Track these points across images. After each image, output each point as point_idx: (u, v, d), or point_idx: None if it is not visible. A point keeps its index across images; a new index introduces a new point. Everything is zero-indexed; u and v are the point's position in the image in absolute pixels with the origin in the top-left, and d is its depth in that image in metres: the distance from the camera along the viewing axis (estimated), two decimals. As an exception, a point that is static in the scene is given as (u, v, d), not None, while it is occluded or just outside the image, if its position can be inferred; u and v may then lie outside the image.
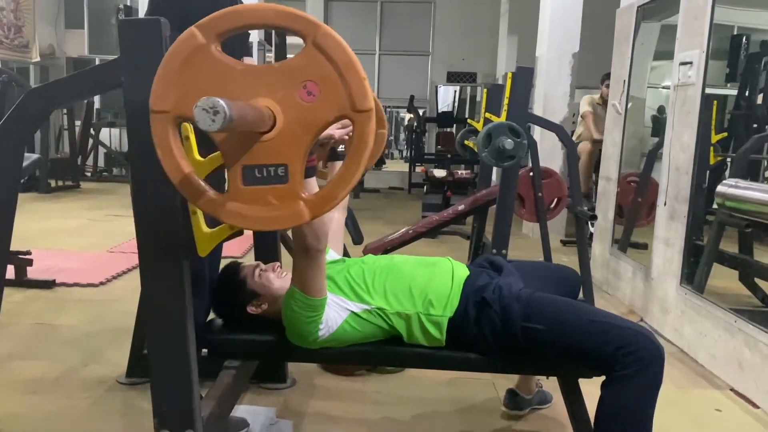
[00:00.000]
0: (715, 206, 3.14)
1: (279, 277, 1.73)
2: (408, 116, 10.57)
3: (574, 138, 5.58)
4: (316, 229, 1.42)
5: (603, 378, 1.57)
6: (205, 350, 1.71)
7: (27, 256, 3.59)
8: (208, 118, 0.92)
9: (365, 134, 1.10)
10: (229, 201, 1.14)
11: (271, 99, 1.10)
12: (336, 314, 1.61)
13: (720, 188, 2.98)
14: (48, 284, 3.59)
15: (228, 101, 0.94)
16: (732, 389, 2.60)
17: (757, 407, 2.43)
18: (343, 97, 1.09)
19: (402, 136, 16.87)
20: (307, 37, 1.08)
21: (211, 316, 1.83)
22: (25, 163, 3.46)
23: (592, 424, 1.58)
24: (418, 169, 9.29)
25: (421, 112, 10.42)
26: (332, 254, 1.86)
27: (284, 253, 2.47)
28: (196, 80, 1.10)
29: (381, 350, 1.68)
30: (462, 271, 1.74)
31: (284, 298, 1.59)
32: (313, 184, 1.45)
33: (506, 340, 1.59)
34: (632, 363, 1.46)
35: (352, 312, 1.62)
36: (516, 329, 1.57)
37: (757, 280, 3.40)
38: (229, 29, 1.10)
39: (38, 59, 9.27)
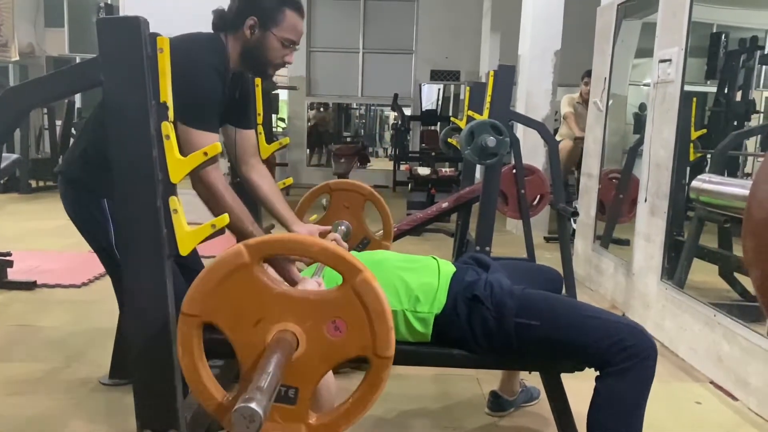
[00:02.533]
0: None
1: None
2: (392, 114, 10.56)
3: (557, 138, 5.62)
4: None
5: (583, 373, 1.59)
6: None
7: (7, 258, 3.55)
8: (244, 424, 0.97)
9: (380, 379, 1.17)
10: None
11: (299, 327, 1.15)
12: None
13: (694, 183, 3.02)
14: (29, 285, 3.55)
15: (265, 401, 0.97)
16: (712, 382, 2.64)
17: (736, 399, 2.47)
18: (368, 340, 1.15)
19: (386, 134, 16.87)
20: (347, 279, 1.14)
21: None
22: (4, 164, 3.43)
23: (578, 416, 1.60)
24: (403, 167, 9.29)
25: (405, 110, 10.42)
26: None
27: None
28: (232, 293, 1.15)
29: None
30: (448, 268, 1.74)
31: None
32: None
33: (498, 337, 1.59)
34: (628, 357, 1.49)
35: None
36: (510, 325, 1.57)
37: (736, 275, 3.45)
38: (274, 254, 1.20)
39: (17, 58, 9.15)
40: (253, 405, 0.97)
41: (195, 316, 1.17)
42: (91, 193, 1.88)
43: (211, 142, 1.76)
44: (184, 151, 1.38)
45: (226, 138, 2.04)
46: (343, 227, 2.35)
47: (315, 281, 1.56)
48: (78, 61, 9.65)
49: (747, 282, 3.39)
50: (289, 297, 1.16)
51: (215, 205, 1.79)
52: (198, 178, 1.76)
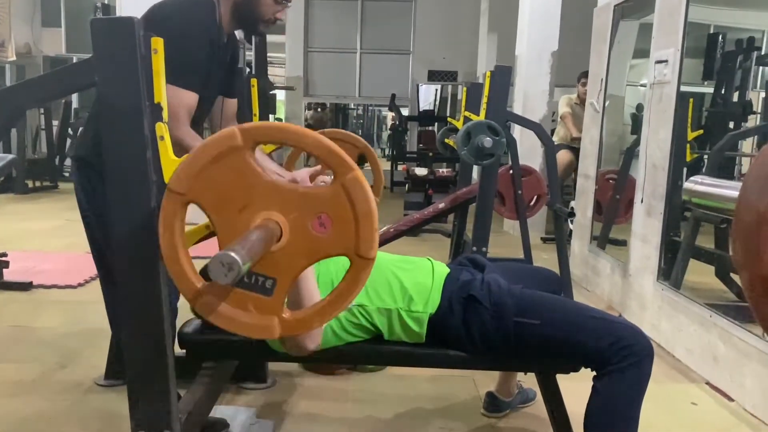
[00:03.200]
0: (691, 203, 3.19)
1: None
2: (389, 115, 10.57)
3: (554, 138, 5.62)
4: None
5: (579, 374, 1.60)
6: (183, 350, 1.71)
7: (3, 258, 3.54)
8: (222, 271, 0.96)
9: (359, 279, 1.15)
10: (209, 294, 1.17)
11: (284, 217, 1.13)
12: None
13: (686, 185, 3.02)
14: (25, 286, 3.54)
15: (245, 254, 0.97)
16: (708, 383, 2.64)
17: (732, 400, 2.47)
18: (352, 240, 1.13)
19: (384, 134, 16.86)
20: (338, 175, 1.12)
21: (190, 315, 1.82)
22: (0, 164, 3.42)
23: (574, 417, 1.60)
24: (400, 167, 9.30)
25: (402, 110, 10.43)
26: None
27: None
28: (221, 176, 1.13)
29: (362, 349, 1.68)
30: (442, 269, 1.74)
31: None
32: (311, 282, 1.46)
33: (495, 337, 1.59)
34: (626, 357, 1.50)
35: None
36: (509, 325, 1.57)
37: (733, 276, 3.45)
38: (267, 140, 1.16)
39: (14, 58, 9.13)
40: (232, 253, 0.96)
41: (181, 194, 1.14)
42: (101, 177, 1.88)
43: (188, 99, 1.78)
44: None
45: (216, 107, 2.07)
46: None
47: (306, 171, 1.54)
48: (75, 60, 9.67)
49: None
50: (278, 187, 1.14)
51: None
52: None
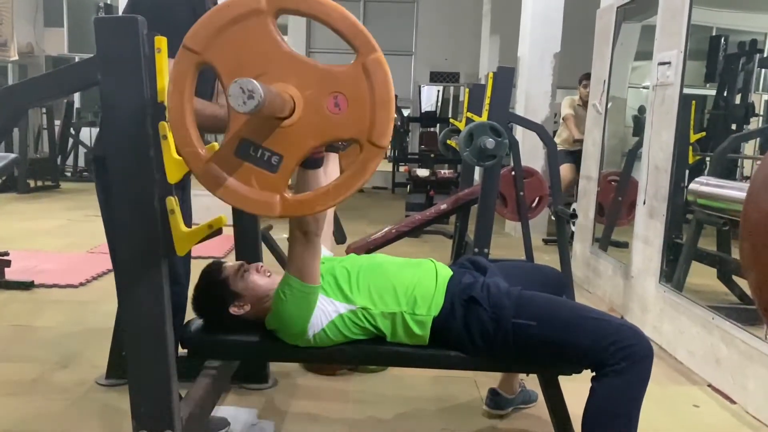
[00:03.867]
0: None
1: (264, 277, 1.71)
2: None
3: (557, 140, 5.61)
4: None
5: (581, 376, 1.59)
6: (185, 350, 1.70)
7: (5, 257, 3.54)
8: (242, 98, 0.91)
9: (368, 167, 1.11)
10: (213, 163, 1.12)
11: (299, 92, 1.09)
12: (322, 314, 1.60)
13: (692, 186, 3.02)
14: (26, 285, 3.54)
15: (265, 87, 0.92)
16: (710, 385, 2.63)
17: (734, 403, 2.46)
18: (366, 124, 1.09)
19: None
20: (360, 54, 1.08)
21: (192, 315, 1.82)
22: (2, 163, 3.42)
23: (575, 418, 1.60)
24: (402, 168, 9.30)
25: (404, 111, 10.42)
26: (324, 251, 1.85)
27: (266, 252, 2.46)
28: (239, 39, 1.08)
29: (363, 349, 1.68)
30: (445, 271, 1.75)
31: (277, 288, 1.58)
32: (320, 177, 1.39)
33: (495, 338, 1.60)
34: (625, 358, 1.50)
35: (339, 314, 1.62)
36: (507, 326, 1.58)
37: (735, 278, 3.45)
38: (291, 9, 1.08)
39: (17, 58, 9.14)
40: (253, 80, 0.91)
41: (196, 52, 1.09)
42: None
43: None
44: None
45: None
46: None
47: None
48: (77, 60, 9.66)
49: (745, 285, 3.39)
50: (296, 59, 1.09)
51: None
52: None
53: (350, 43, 1.08)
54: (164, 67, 1.26)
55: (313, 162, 1.28)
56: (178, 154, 1.16)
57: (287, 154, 1.10)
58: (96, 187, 2.00)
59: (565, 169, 5.66)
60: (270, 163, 1.10)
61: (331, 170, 1.81)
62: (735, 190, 2.89)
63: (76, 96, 9.10)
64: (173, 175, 1.30)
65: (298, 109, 1.09)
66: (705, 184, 2.98)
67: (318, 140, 1.11)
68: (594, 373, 1.57)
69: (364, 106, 1.08)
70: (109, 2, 8.33)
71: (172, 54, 1.70)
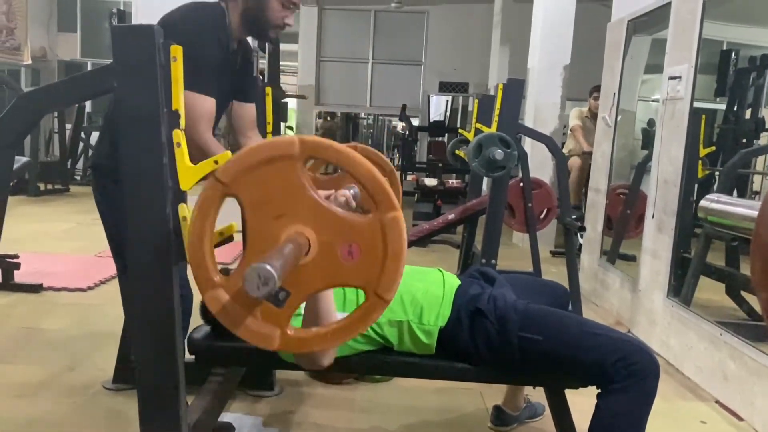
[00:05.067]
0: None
1: None
2: (400, 125, 10.61)
3: (564, 151, 5.61)
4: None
5: (588, 389, 1.59)
6: (192, 356, 1.71)
7: (15, 260, 3.56)
8: (257, 283, 0.95)
9: (370, 317, 1.15)
10: (221, 288, 1.17)
11: (316, 236, 1.14)
12: None
13: (702, 203, 3.01)
14: (35, 288, 3.56)
15: (279, 268, 0.97)
16: (717, 401, 2.61)
17: (742, 420, 2.45)
18: (375, 276, 1.13)
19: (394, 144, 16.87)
20: (379, 210, 1.12)
21: (199, 321, 1.83)
22: (14, 166, 3.44)
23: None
24: (410, 177, 9.30)
25: (413, 121, 10.45)
26: None
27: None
28: (268, 178, 1.13)
29: (370, 359, 1.68)
30: (453, 281, 1.75)
31: None
32: (330, 298, 1.46)
33: (500, 351, 1.59)
34: (630, 375, 1.49)
35: None
36: (513, 339, 1.57)
37: (743, 293, 3.43)
38: (323, 157, 1.16)
39: (30, 62, 9.23)
40: (270, 268, 0.95)
41: (225, 184, 1.14)
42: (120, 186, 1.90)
43: (209, 105, 1.79)
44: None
45: (230, 112, 2.09)
46: (351, 191, 2.31)
47: (344, 192, 1.54)
48: (89, 65, 9.76)
49: (754, 301, 3.37)
50: (319, 205, 1.14)
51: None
52: (191, 141, 1.78)
53: (372, 198, 1.13)
54: (179, 75, 1.27)
55: None
56: (193, 275, 1.20)
57: (295, 292, 1.14)
58: (94, 194, 2.02)
59: (574, 159, 5.66)
60: (277, 298, 1.12)
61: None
62: (746, 208, 2.88)
63: (88, 101, 9.17)
64: (186, 183, 1.31)
65: (312, 251, 1.14)
66: (716, 201, 2.97)
67: (326, 283, 1.17)
68: (599, 390, 1.56)
69: (376, 258, 1.13)
70: (122, 8, 8.41)
71: (197, 88, 1.73)
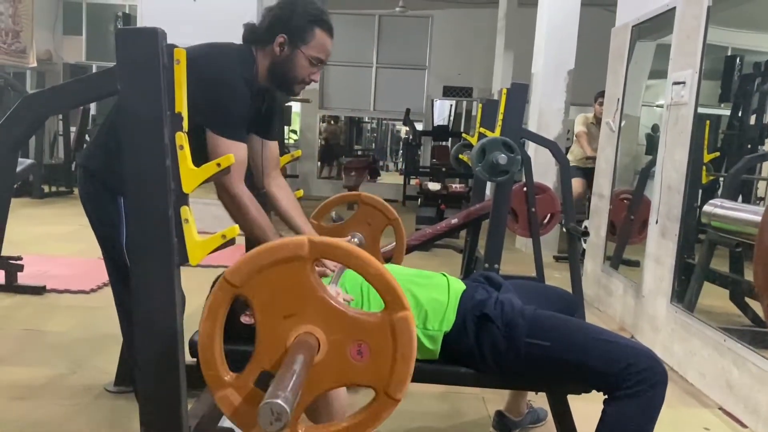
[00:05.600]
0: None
1: None
2: (404, 129, 10.61)
3: (569, 157, 5.60)
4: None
5: (590, 395, 1.58)
6: (194, 359, 1.71)
7: (18, 261, 3.57)
8: (270, 419, 0.95)
9: (380, 418, 1.15)
10: (232, 388, 1.17)
11: (325, 336, 1.14)
12: None
13: (706, 208, 3.00)
14: (38, 290, 3.57)
15: (292, 400, 0.96)
16: (721, 408, 2.60)
17: (745, 426, 2.43)
18: (385, 377, 1.13)
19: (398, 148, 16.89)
20: (388, 310, 1.12)
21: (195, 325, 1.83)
22: (18, 168, 3.45)
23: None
24: (413, 181, 9.31)
25: (416, 125, 10.45)
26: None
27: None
28: (276, 279, 1.14)
29: (371, 363, 1.68)
30: (458, 285, 1.74)
31: None
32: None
33: (506, 356, 1.59)
34: (638, 382, 1.48)
35: None
36: (520, 345, 1.57)
37: (748, 300, 3.41)
38: (333, 259, 1.16)
39: (35, 64, 9.26)
40: (283, 403, 0.94)
41: (235, 286, 1.14)
42: (109, 191, 1.91)
43: (242, 153, 1.79)
44: (212, 159, 1.40)
45: (250, 149, 2.04)
46: (356, 239, 2.34)
47: (335, 290, 1.55)
48: (95, 68, 9.79)
49: (758, 307, 3.35)
50: (329, 306, 1.14)
51: (239, 216, 1.82)
52: (224, 189, 1.78)
53: (381, 296, 1.13)
54: (183, 78, 1.28)
55: None
56: (204, 374, 1.21)
57: (304, 392, 1.13)
58: (80, 192, 2.01)
59: (573, 183, 5.64)
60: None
61: None
62: (750, 214, 2.87)
63: (92, 103, 9.20)
64: (188, 185, 1.31)
65: (321, 351, 1.14)
66: (719, 207, 2.96)
67: (335, 382, 1.17)
68: (606, 396, 1.55)
69: (386, 358, 1.13)
70: (127, 11, 8.44)
71: (229, 134, 1.73)
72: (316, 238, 1.15)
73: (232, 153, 1.64)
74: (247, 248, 2.28)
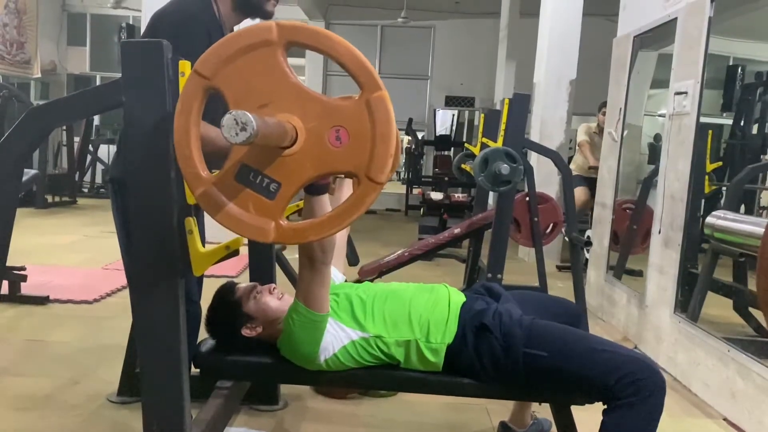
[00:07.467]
0: (710, 235, 3.16)
1: (276, 299, 1.72)
2: (406, 139, 10.65)
3: (571, 166, 5.61)
4: (323, 242, 1.42)
5: (594, 405, 1.58)
6: (197, 370, 1.71)
7: (21, 272, 3.58)
8: (235, 129, 0.93)
9: (364, 202, 1.12)
10: (212, 186, 1.14)
11: (302, 123, 1.11)
12: (334, 339, 1.61)
13: (709, 219, 3.00)
14: (42, 300, 3.57)
15: (260, 120, 0.95)
16: (725, 419, 2.59)
17: (751, 437, 2.42)
18: (365, 159, 1.10)
19: (400, 158, 16.88)
20: (364, 91, 1.09)
21: (205, 335, 1.83)
22: (23, 179, 3.47)
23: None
24: (415, 191, 9.31)
25: (419, 135, 10.48)
26: (335, 273, 1.86)
27: (279, 273, 2.47)
28: (248, 68, 1.10)
29: (375, 374, 1.68)
30: (458, 297, 1.75)
31: (287, 312, 1.60)
32: (325, 203, 1.41)
33: (505, 367, 1.59)
34: (636, 392, 1.48)
35: (351, 340, 1.62)
36: (518, 355, 1.57)
37: (752, 310, 3.40)
38: (301, 43, 1.11)
39: (39, 75, 9.32)
40: (248, 113, 0.92)
41: (205, 77, 1.11)
42: None
43: None
44: None
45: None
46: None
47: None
48: (98, 79, 9.85)
49: (762, 317, 3.35)
50: (303, 91, 1.11)
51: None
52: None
53: (356, 79, 1.10)
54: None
55: (316, 188, 1.30)
56: (182, 172, 1.18)
57: (286, 183, 1.12)
58: (112, 208, 2.01)
59: (578, 192, 5.65)
60: (268, 190, 1.12)
61: (344, 194, 1.82)
62: (753, 225, 2.87)
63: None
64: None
65: (299, 140, 1.11)
66: (722, 218, 2.97)
67: (317, 171, 1.13)
68: (605, 406, 1.55)
69: (365, 141, 1.10)
70: (131, 23, 8.49)
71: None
72: (284, 21, 1.11)
73: None
74: (251, 257, 2.28)
